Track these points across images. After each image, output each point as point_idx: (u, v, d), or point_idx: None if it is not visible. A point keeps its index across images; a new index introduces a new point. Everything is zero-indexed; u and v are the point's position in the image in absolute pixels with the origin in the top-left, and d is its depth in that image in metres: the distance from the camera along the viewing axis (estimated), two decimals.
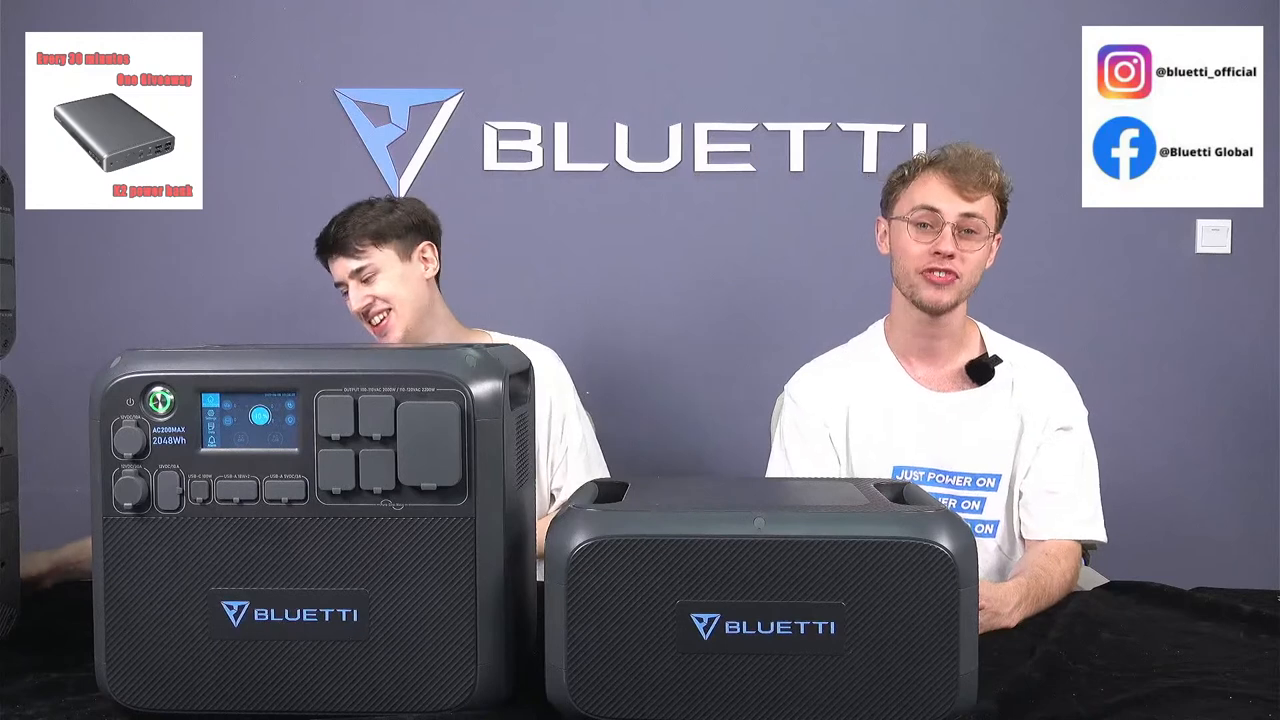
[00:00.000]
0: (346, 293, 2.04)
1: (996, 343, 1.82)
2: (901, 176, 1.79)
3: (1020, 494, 1.75)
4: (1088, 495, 1.75)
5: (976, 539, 1.72)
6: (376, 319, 2.01)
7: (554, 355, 2.09)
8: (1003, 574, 1.75)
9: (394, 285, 2.01)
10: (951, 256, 1.70)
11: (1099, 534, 1.74)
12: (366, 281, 2.01)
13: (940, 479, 1.76)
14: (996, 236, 1.78)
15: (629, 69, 2.84)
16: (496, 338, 2.04)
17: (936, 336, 1.78)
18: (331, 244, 2.03)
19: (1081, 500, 1.74)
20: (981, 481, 1.76)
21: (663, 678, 0.94)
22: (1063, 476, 1.73)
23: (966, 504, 1.76)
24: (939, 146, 1.79)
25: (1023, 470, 1.75)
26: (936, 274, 1.71)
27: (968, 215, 1.71)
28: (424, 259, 2.06)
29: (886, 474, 1.74)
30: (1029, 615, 1.46)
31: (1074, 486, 1.74)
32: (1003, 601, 1.43)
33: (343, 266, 2.02)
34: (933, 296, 1.72)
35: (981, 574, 1.64)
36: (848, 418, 1.80)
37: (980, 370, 1.76)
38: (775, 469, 1.88)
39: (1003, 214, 1.77)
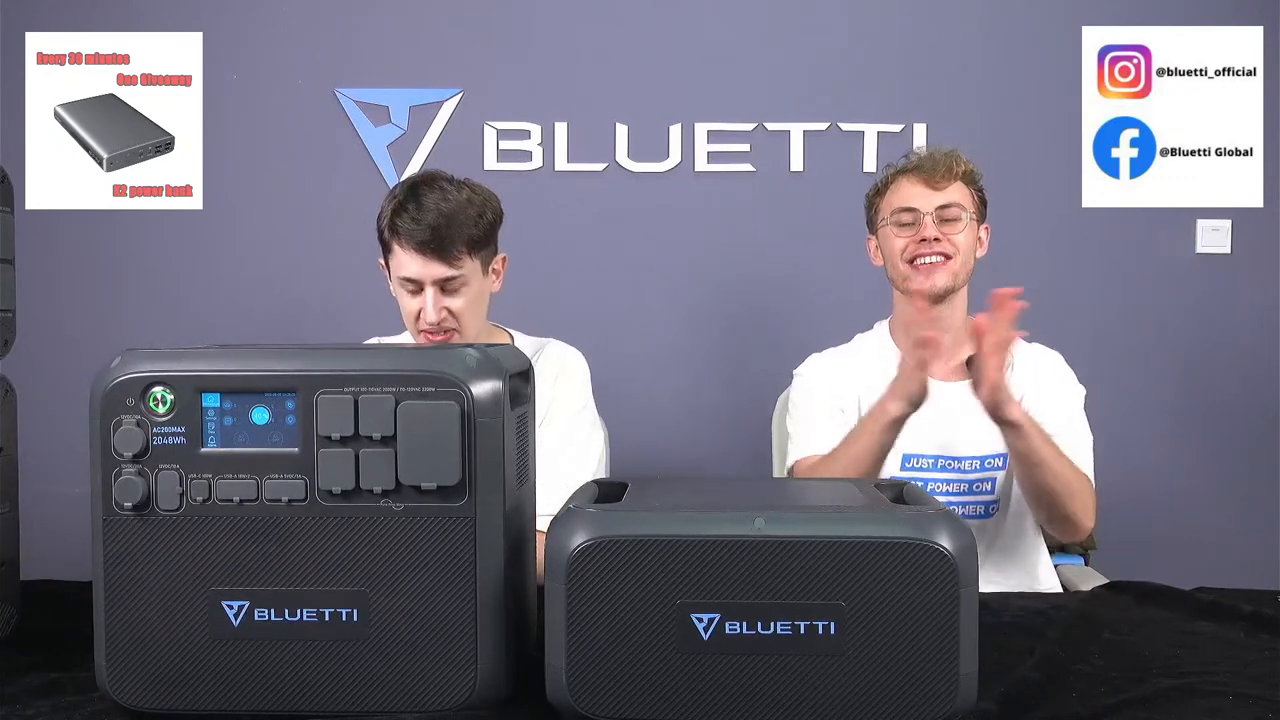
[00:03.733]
0: (413, 291, 1.76)
1: None
2: (877, 189, 1.91)
3: None
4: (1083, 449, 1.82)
5: (991, 519, 1.80)
6: (439, 334, 1.76)
7: (576, 357, 1.95)
8: (1008, 552, 1.84)
9: (471, 303, 1.76)
10: (937, 240, 1.80)
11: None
12: (450, 293, 1.74)
13: (950, 464, 1.82)
14: (984, 226, 1.87)
15: (629, 69, 2.83)
16: (521, 339, 1.90)
17: (939, 333, 1.79)
18: (428, 241, 1.71)
19: (1078, 451, 1.80)
20: (990, 462, 1.83)
21: (663, 678, 0.94)
22: (1066, 423, 1.80)
23: (978, 486, 1.82)
24: (904, 154, 1.92)
25: None
26: (924, 261, 1.80)
27: (944, 206, 1.81)
28: (495, 272, 1.83)
29: (895, 462, 1.79)
30: (1025, 429, 1.65)
31: (1071, 438, 1.79)
32: (1008, 391, 1.62)
33: (431, 270, 1.72)
34: (925, 282, 1.80)
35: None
36: (859, 406, 1.85)
37: None
38: (801, 446, 1.88)
39: (982, 202, 1.87)
